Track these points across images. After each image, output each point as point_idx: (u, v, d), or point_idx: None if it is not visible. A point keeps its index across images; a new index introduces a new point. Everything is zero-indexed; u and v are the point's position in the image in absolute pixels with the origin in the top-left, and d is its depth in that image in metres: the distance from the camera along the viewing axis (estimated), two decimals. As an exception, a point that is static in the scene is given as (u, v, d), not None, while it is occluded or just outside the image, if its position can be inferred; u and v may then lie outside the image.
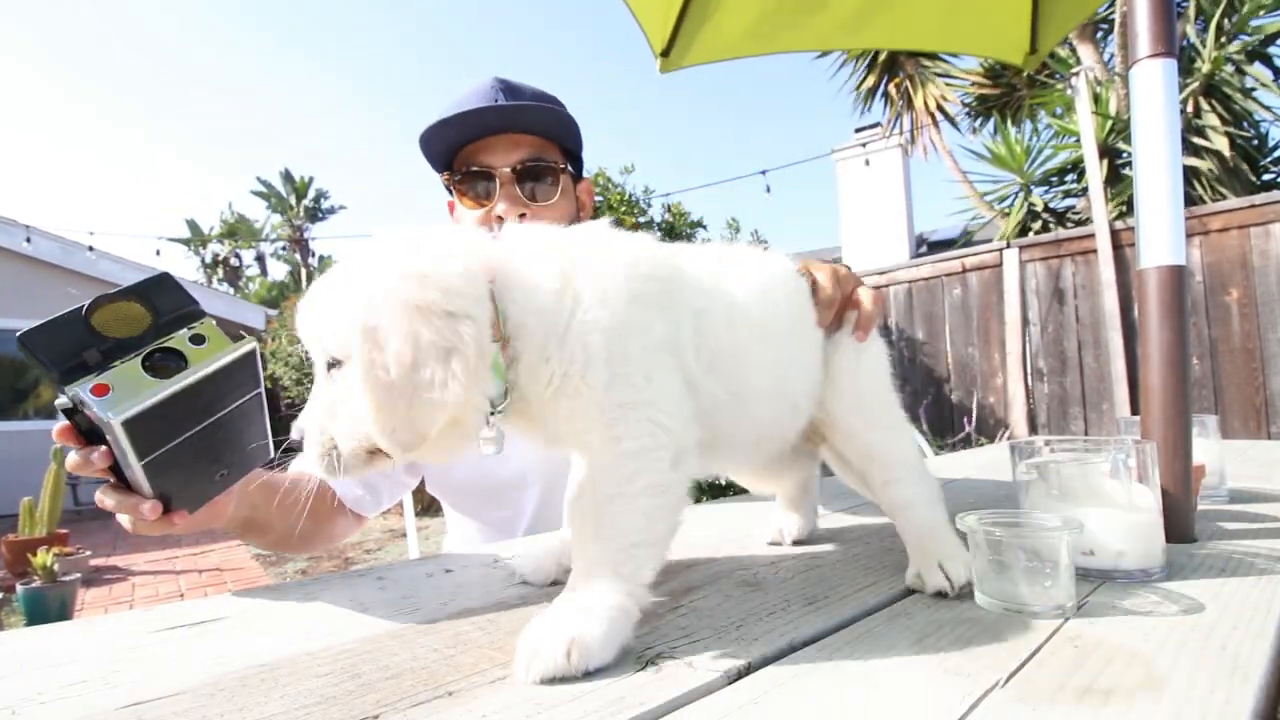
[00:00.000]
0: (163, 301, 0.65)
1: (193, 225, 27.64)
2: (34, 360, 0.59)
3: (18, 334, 0.60)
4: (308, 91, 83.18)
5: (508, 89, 1.15)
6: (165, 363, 0.62)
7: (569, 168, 1.20)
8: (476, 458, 1.17)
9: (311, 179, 28.20)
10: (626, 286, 0.60)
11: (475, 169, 1.14)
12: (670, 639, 0.53)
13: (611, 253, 0.63)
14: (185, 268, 27.36)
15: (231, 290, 24.85)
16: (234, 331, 0.74)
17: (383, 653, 0.53)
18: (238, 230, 27.55)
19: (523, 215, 1.14)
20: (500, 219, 1.14)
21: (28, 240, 8.68)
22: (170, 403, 0.61)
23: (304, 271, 26.46)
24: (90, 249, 8.88)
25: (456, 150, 1.16)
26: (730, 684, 0.46)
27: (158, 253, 9.67)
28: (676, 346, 0.62)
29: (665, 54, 1.82)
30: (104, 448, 0.61)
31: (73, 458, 0.63)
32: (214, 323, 0.67)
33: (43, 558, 3.85)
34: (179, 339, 0.64)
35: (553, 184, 1.17)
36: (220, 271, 27.64)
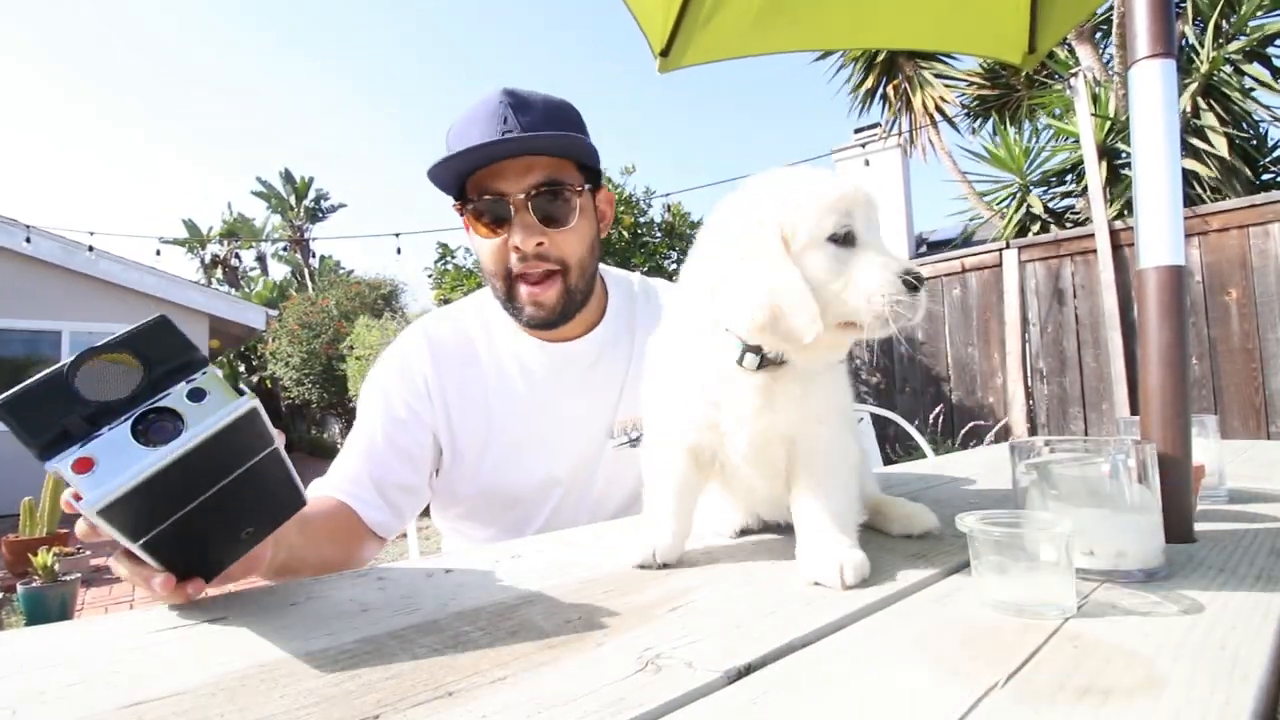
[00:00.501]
0: (156, 350, 0.57)
1: (191, 226, 27.59)
2: (14, 432, 0.52)
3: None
4: (308, 91, 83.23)
5: (517, 104, 1.09)
6: (161, 424, 0.55)
7: (585, 185, 1.15)
8: (504, 466, 1.21)
9: (311, 179, 28.15)
10: None
11: (487, 197, 1.10)
12: (670, 639, 0.53)
13: None
14: (185, 268, 27.39)
15: (232, 291, 24.84)
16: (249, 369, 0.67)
17: (383, 653, 0.53)
18: (238, 230, 27.51)
19: (540, 243, 1.10)
20: (517, 249, 1.10)
21: (28, 240, 8.68)
22: (161, 477, 0.52)
23: (305, 271, 26.44)
24: (90, 249, 8.87)
25: (466, 176, 1.13)
26: (730, 684, 0.46)
27: (158, 253, 9.66)
28: None
29: (664, 54, 1.82)
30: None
31: (81, 526, 0.58)
32: (219, 373, 0.59)
33: (43, 557, 3.85)
34: (175, 395, 0.56)
35: (569, 207, 1.12)
36: (220, 272, 27.62)
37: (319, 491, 1.11)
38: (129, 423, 0.54)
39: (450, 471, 1.22)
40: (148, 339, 0.57)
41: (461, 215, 1.16)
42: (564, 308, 1.15)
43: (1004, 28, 1.88)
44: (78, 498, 0.51)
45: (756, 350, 0.71)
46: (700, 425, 0.77)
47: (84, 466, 0.50)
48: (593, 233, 1.19)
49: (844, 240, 0.68)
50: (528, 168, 1.09)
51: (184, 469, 0.54)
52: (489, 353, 1.23)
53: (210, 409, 0.56)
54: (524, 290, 1.13)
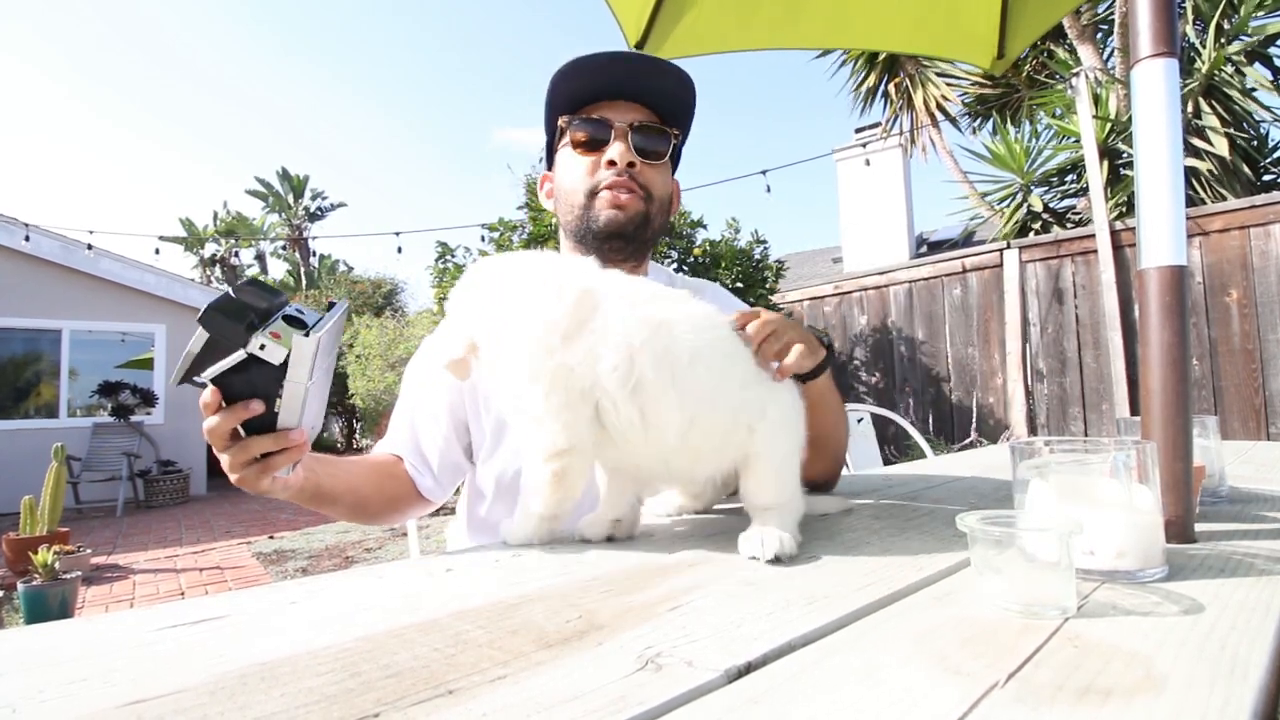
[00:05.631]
0: (261, 292, 0.80)
1: (189, 225, 27.52)
2: (224, 325, 0.74)
3: (202, 310, 0.74)
4: (307, 91, 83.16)
5: (639, 53, 1.25)
6: (299, 320, 0.78)
7: (676, 140, 1.26)
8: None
9: (307, 177, 28.10)
10: None
11: (595, 117, 1.19)
12: (670, 639, 0.53)
13: None
14: (183, 267, 27.34)
15: (230, 290, 24.73)
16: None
17: (383, 652, 0.53)
18: (236, 229, 27.46)
19: (632, 164, 1.18)
20: (612, 163, 1.17)
21: (27, 239, 8.67)
22: (325, 340, 0.78)
23: (303, 270, 26.41)
24: (90, 247, 8.87)
25: (578, 106, 1.21)
26: (730, 684, 0.46)
27: (157, 251, 9.60)
28: None
29: (640, 45, 1.81)
30: (256, 400, 0.79)
31: (220, 420, 0.78)
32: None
33: (44, 556, 3.85)
34: (293, 308, 0.80)
35: (664, 148, 1.22)
36: (219, 270, 27.57)
37: (380, 450, 1.24)
38: (280, 317, 0.77)
39: (481, 457, 1.28)
40: (253, 284, 0.79)
41: (562, 131, 1.24)
42: (639, 223, 1.20)
43: (975, 32, 1.88)
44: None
45: None
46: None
47: (275, 336, 0.75)
48: (670, 188, 1.28)
49: None
50: (635, 109, 1.20)
51: (326, 343, 0.80)
52: None
53: (316, 314, 0.81)
54: (607, 194, 1.18)
